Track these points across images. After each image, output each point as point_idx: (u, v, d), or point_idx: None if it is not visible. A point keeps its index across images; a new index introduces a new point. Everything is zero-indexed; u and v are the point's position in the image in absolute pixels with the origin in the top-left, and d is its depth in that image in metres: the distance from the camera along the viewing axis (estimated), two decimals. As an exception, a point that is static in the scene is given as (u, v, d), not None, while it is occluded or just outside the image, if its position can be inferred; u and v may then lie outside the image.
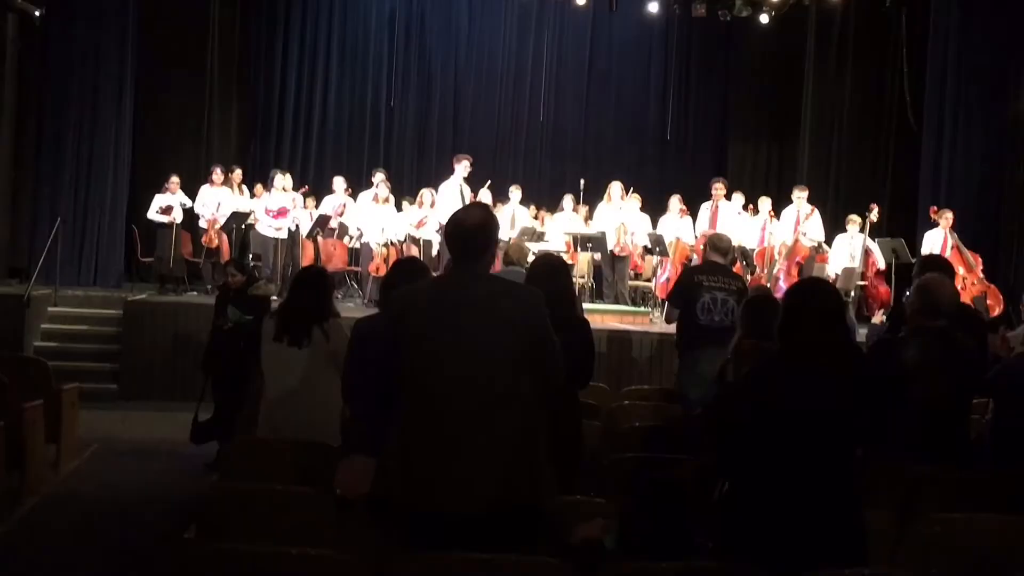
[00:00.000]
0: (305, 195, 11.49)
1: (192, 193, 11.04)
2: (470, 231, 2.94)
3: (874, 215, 10.80)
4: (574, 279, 10.47)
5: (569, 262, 10.49)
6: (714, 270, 5.83)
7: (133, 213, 11.21)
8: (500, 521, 2.74)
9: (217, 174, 11.10)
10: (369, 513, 3.06)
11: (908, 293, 4.17)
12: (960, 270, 9.98)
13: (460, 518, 2.74)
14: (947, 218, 10.54)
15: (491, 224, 3.01)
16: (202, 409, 6.14)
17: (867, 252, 10.86)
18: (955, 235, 10.49)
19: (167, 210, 10.63)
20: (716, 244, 6.01)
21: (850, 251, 11.00)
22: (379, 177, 11.29)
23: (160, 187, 10.83)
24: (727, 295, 5.65)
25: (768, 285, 9.97)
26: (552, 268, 4.22)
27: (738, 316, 4.42)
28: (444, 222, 10.16)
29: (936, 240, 10.52)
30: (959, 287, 9.59)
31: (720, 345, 5.11)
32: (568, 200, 11.54)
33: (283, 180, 10.97)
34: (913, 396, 3.61)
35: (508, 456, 2.78)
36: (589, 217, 11.56)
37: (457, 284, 2.94)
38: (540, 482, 2.88)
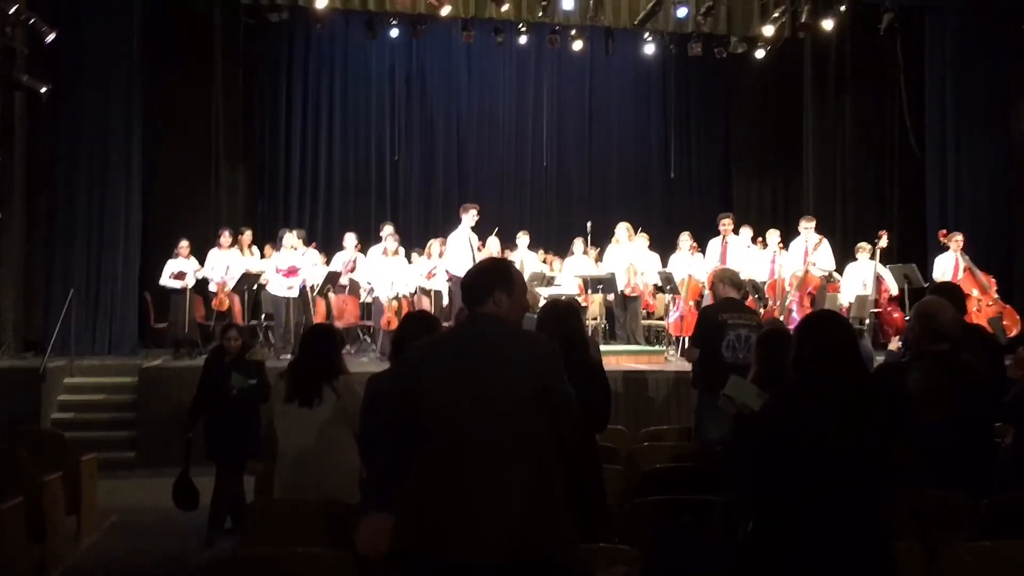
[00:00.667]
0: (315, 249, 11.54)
1: (202, 257, 11.12)
2: (472, 275, 3.03)
3: (883, 242, 10.79)
4: (587, 321, 10.48)
5: (583, 304, 10.51)
6: (734, 307, 5.81)
7: (145, 280, 11.27)
8: (516, 572, 2.72)
9: (225, 237, 11.18)
10: (385, 564, 3.02)
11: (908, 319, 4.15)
12: (974, 292, 9.95)
13: (475, 568, 2.72)
14: (957, 241, 10.51)
15: (491, 269, 3.05)
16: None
17: (879, 279, 10.82)
18: (967, 257, 10.46)
19: (180, 275, 10.70)
20: (732, 279, 5.98)
21: (862, 279, 10.97)
22: (387, 230, 11.34)
23: (171, 252, 10.90)
24: (750, 331, 5.62)
25: (781, 318, 9.94)
26: (561, 312, 4.23)
27: (752, 351, 4.40)
28: (453, 272, 10.32)
29: (948, 263, 10.49)
30: (974, 309, 9.60)
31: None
32: (578, 243, 11.58)
33: (291, 239, 11.03)
34: (919, 421, 3.56)
35: (523, 506, 2.76)
36: (599, 259, 11.58)
37: (467, 335, 2.96)
38: (557, 532, 2.85)
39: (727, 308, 5.87)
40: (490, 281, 2.96)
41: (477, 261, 10.20)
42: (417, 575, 2.83)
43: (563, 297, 8.37)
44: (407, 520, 2.84)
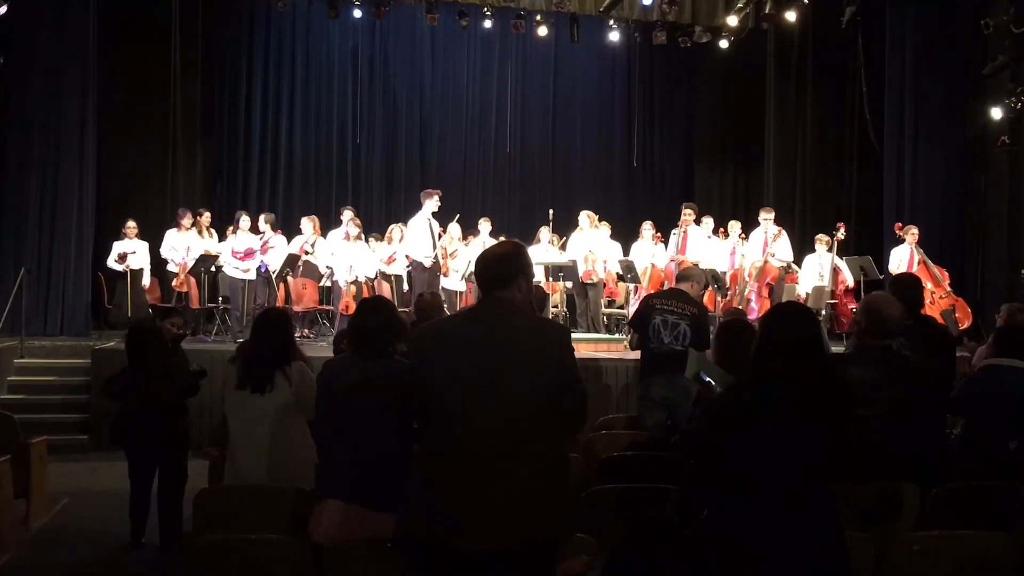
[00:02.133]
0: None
1: (158, 238, 10.96)
2: (492, 260, 2.94)
3: (841, 233, 10.92)
4: (548, 309, 10.49)
5: (548, 292, 10.52)
6: (671, 295, 5.89)
7: (99, 260, 11.08)
8: (524, 559, 2.73)
9: (186, 219, 11.03)
10: (396, 550, 3.01)
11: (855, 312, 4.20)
12: (928, 284, 10.11)
13: (485, 556, 2.71)
14: (912, 234, 10.67)
15: (516, 254, 2.98)
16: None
17: (835, 270, 10.96)
18: (921, 250, 10.62)
19: (122, 258, 10.54)
20: (680, 273, 6.09)
21: (819, 270, 11.12)
22: (347, 215, 11.24)
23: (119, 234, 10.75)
24: (679, 319, 5.69)
25: (740, 307, 10.02)
26: (538, 300, 4.21)
27: (712, 341, 4.44)
28: (414, 257, 10.27)
29: (903, 256, 10.65)
30: (927, 301, 9.75)
31: (671, 371, 5.13)
32: (544, 232, 11.54)
33: (248, 222, 10.94)
34: (860, 416, 3.59)
35: (537, 493, 2.76)
36: (563, 248, 11.60)
37: (481, 321, 2.88)
38: (564, 519, 2.87)
39: (662, 295, 5.96)
40: (516, 267, 2.92)
41: (436, 246, 10.24)
42: (425, 564, 2.80)
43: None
44: (416, 509, 2.81)
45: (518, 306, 2.89)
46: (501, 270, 2.91)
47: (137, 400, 5.39)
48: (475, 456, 2.74)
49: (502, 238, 11.98)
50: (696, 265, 10.71)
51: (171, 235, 11.01)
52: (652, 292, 6.18)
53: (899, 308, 3.89)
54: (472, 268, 10.81)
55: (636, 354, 9.64)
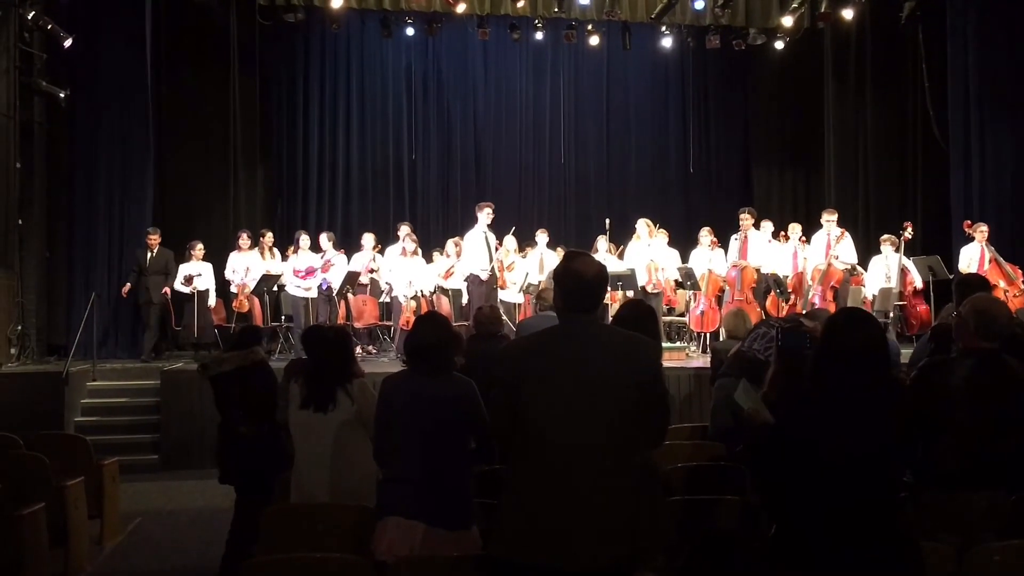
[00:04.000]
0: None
1: (221, 260, 11.16)
2: (591, 283, 2.91)
3: (908, 233, 10.66)
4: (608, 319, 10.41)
5: (607, 302, 10.45)
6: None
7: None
8: (618, 572, 2.74)
9: (244, 239, 11.24)
10: (483, 572, 3.02)
11: (955, 312, 4.02)
12: (1000, 283, 9.81)
13: (585, 574, 2.71)
14: (982, 231, 10.36)
15: (607, 275, 3.02)
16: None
17: (903, 271, 10.69)
18: (992, 248, 10.31)
19: (188, 280, 10.75)
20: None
21: (886, 271, 10.85)
22: (404, 230, 11.32)
23: (189, 255, 10.97)
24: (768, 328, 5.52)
25: (804, 312, 9.83)
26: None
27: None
28: (471, 271, 10.28)
29: (973, 254, 10.35)
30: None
31: (745, 375, 4.98)
32: (602, 241, 11.46)
33: (308, 240, 11.10)
34: (961, 420, 3.48)
35: (637, 509, 2.77)
36: (620, 256, 11.52)
37: (576, 338, 2.87)
38: (660, 533, 2.90)
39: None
40: (606, 288, 2.99)
41: (493, 259, 10.24)
42: None
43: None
44: (513, 527, 2.80)
45: (606, 324, 2.92)
46: (600, 292, 2.95)
47: None
48: (577, 473, 2.73)
49: (559, 249, 12.02)
50: (775, 274, 10.52)
51: (233, 257, 11.22)
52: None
53: (1008, 309, 3.77)
54: (530, 279, 10.93)
55: (697, 362, 9.60)
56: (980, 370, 3.58)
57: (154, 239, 10.69)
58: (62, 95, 10.41)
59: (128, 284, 10.65)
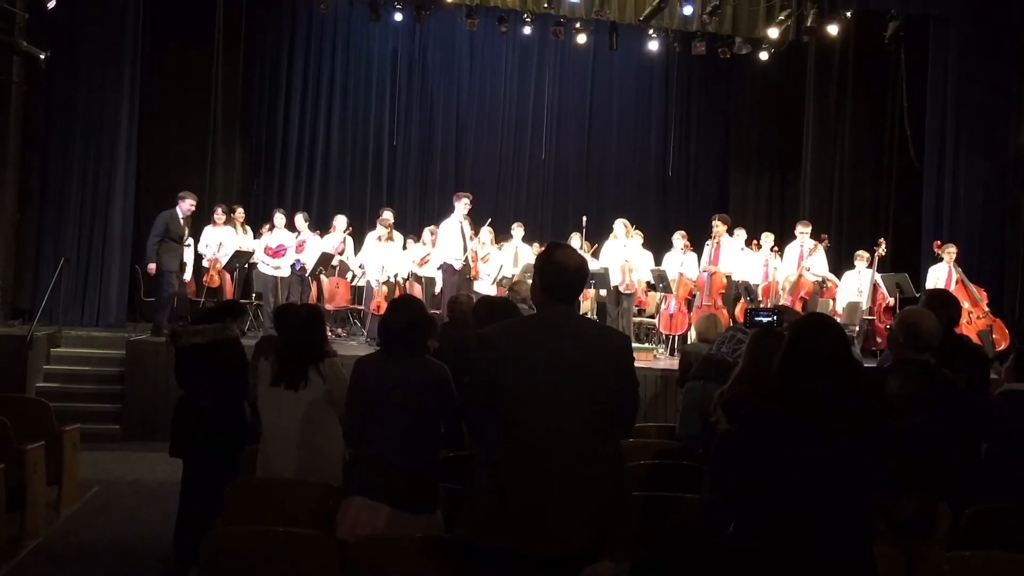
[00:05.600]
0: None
1: (197, 233, 11.08)
2: (574, 275, 2.95)
3: (882, 249, 10.82)
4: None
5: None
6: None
7: (136, 253, 11.22)
8: (583, 561, 2.77)
9: (219, 214, 11.17)
10: (451, 554, 3.04)
11: (890, 326, 4.13)
12: (965, 304, 9.97)
13: (556, 561, 2.74)
14: (950, 252, 10.53)
15: (587, 268, 3.08)
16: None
17: (875, 287, 10.85)
18: (959, 269, 10.49)
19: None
20: None
21: (858, 286, 11.01)
22: (387, 215, 11.31)
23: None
24: (745, 336, 5.57)
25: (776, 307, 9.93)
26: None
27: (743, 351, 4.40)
28: (445, 260, 10.28)
29: (940, 274, 10.52)
30: (964, 321, 9.62)
31: (712, 378, 5.06)
32: (575, 239, 11.53)
33: (283, 219, 11.05)
34: (896, 429, 3.55)
35: (610, 496, 2.83)
36: (595, 255, 11.58)
37: (555, 326, 2.91)
38: (628, 521, 2.95)
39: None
40: (585, 281, 3.06)
41: (468, 250, 10.25)
42: (487, 566, 2.81)
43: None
44: (486, 511, 2.82)
45: (582, 315, 2.99)
46: (580, 285, 3.00)
47: None
48: (553, 458, 2.78)
49: (536, 245, 12.06)
50: (746, 282, 10.65)
51: (207, 231, 11.14)
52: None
53: (935, 322, 3.85)
54: (504, 272, 10.96)
55: (664, 363, 9.69)
56: (910, 380, 3.67)
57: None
58: (42, 56, 10.25)
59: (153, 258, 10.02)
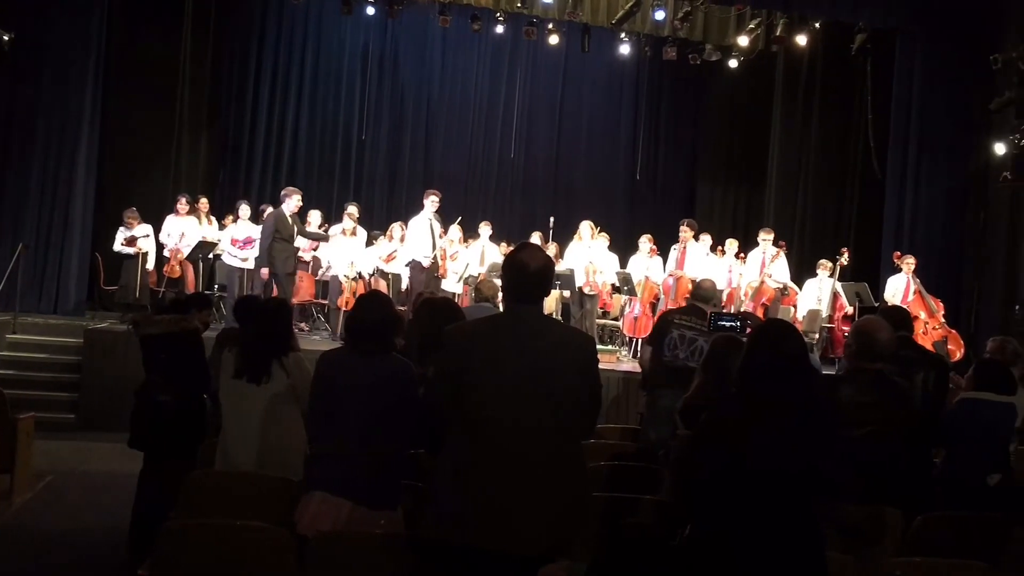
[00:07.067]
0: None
1: (158, 222, 10.95)
2: (535, 276, 2.95)
3: (845, 259, 10.96)
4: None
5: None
6: (690, 311, 5.85)
7: (97, 241, 11.06)
8: (544, 560, 2.78)
9: (182, 204, 11.06)
10: (413, 551, 3.04)
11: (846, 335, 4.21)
12: (922, 315, 10.14)
13: (517, 560, 2.74)
14: (909, 263, 10.69)
15: (552, 268, 3.06)
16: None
17: (835, 296, 10.99)
18: (917, 280, 10.64)
19: (131, 241, 10.54)
20: (696, 291, 6.07)
21: (818, 294, 11.14)
22: (352, 210, 11.26)
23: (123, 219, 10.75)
24: (696, 335, 5.64)
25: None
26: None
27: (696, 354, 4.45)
28: (413, 257, 10.24)
29: (899, 285, 10.67)
30: (920, 331, 9.78)
31: (682, 385, 5.11)
32: (536, 238, 11.57)
33: (248, 211, 10.96)
34: (847, 436, 3.61)
35: (574, 495, 2.86)
36: (559, 255, 11.61)
37: (522, 325, 2.91)
38: (586, 520, 2.99)
39: (682, 311, 5.93)
40: (550, 281, 3.03)
41: (436, 247, 10.24)
42: (450, 565, 2.81)
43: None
44: (451, 509, 2.81)
45: (548, 315, 2.99)
46: (544, 284, 2.99)
47: None
48: (518, 457, 2.78)
49: (503, 244, 12.07)
50: (714, 284, 10.72)
51: (168, 220, 11.02)
52: (672, 308, 6.10)
53: (889, 332, 3.91)
54: (470, 271, 10.96)
55: (627, 365, 9.73)
56: (862, 389, 3.73)
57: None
58: (6, 38, 10.08)
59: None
